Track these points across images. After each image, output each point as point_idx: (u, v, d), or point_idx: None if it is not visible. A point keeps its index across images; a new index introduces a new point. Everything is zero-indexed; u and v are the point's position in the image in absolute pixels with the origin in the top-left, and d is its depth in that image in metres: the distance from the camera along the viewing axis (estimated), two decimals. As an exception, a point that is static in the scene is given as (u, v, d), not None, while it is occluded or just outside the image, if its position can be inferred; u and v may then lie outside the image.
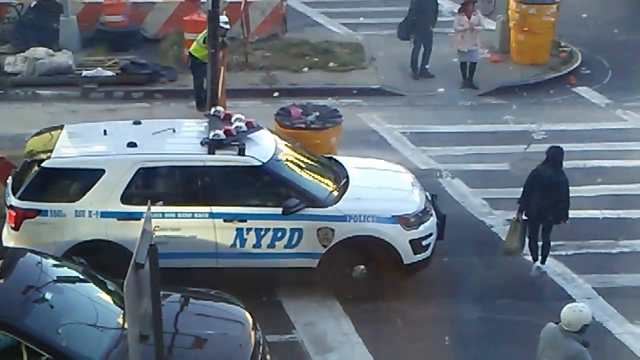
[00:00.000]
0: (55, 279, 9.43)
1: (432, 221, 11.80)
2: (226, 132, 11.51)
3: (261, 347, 9.43)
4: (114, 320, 9.12)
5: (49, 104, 17.74)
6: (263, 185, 11.42)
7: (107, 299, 9.45)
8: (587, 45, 20.66)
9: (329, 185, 11.76)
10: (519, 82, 18.88)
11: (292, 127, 13.55)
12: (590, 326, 8.37)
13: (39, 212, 11.15)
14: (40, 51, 18.77)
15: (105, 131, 11.84)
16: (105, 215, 11.13)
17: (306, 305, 11.56)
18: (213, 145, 11.34)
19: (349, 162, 12.58)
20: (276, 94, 18.01)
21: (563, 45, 20.46)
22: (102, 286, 9.59)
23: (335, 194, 11.63)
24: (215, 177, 11.34)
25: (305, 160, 12.13)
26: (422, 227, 11.57)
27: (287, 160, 11.82)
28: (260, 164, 11.33)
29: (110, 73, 18.56)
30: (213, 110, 12.47)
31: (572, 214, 13.66)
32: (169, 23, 20.55)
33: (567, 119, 17.20)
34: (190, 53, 17.19)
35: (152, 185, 11.44)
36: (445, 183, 14.69)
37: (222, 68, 14.84)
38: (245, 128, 11.77)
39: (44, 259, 9.67)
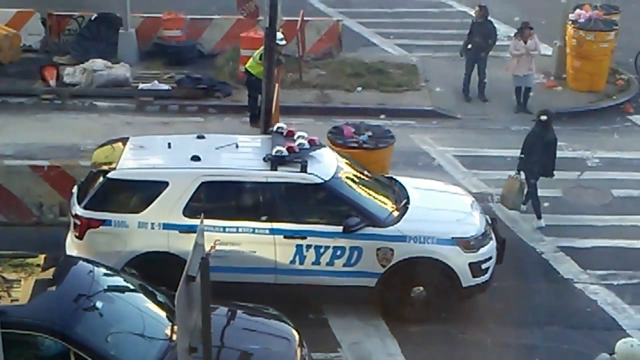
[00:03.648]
0: (106, 287, 9.53)
1: (492, 244, 11.73)
2: (288, 149, 11.55)
3: (306, 364, 9.43)
4: (162, 331, 9.19)
5: (105, 115, 17.99)
6: (324, 202, 11.46)
7: (156, 309, 9.53)
8: (644, 73, 20.43)
9: (389, 205, 11.75)
10: (574, 108, 18.72)
11: (344, 146, 13.56)
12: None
13: (102, 222, 11.26)
14: (98, 63, 19.08)
15: (169, 144, 11.96)
16: (167, 227, 11.22)
17: (352, 324, 11.54)
18: (275, 162, 11.39)
19: (409, 183, 12.57)
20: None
21: (620, 72, 20.26)
22: (152, 297, 9.67)
23: (395, 213, 11.61)
24: (276, 193, 11.38)
25: (366, 179, 12.15)
26: (481, 250, 11.51)
27: (348, 178, 11.83)
28: (321, 181, 11.36)
29: (165, 86, 18.79)
30: (276, 126, 12.53)
31: (624, 243, 13.59)
32: (225, 39, 20.77)
33: (622, 147, 17.01)
34: (245, 69, 17.34)
35: (214, 198, 11.49)
36: (496, 207, 14.58)
37: (277, 85, 14.93)
38: (307, 145, 11.81)
39: (95, 268, 9.79)
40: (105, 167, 11.60)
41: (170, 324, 9.23)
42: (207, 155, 11.62)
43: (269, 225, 11.22)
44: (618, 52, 19.85)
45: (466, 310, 11.79)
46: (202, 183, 11.28)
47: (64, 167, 13.49)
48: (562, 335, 11.46)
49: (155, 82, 18.88)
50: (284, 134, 12.18)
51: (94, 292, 9.30)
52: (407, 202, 11.89)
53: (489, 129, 17.86)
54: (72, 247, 11.51)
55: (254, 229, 11.22)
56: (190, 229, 11.06)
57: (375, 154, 13.67)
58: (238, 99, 18.30)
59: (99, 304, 9.16)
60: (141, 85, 18.74)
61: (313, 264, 11.26)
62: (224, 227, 11.13)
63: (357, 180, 11.96)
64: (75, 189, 11.92)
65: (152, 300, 9.61)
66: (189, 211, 11.22)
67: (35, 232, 13.16)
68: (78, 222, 11.34)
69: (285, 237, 11.22)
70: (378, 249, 11.24)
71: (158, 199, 11.24)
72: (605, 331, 11.29)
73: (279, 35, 15.77)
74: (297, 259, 11.26)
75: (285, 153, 11.49)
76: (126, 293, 9.64)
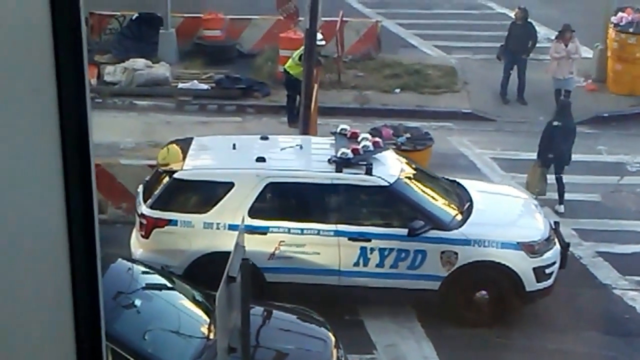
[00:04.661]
0: (144, 285, 9.63)
1: (556, 249, 11.65)
2: (353, 151, 11.53)
3: (342, 366, 9.46)
4: (199, 330, 9.26)
5: (145, 113, 18.11)
6: (388, 205, 11.45)
7: (194, 308, 9.61)
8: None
9: (452, 208, 11.73)
10: (614, 112, 18.56)
11: (382, 148, 13.56)
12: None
13: (168, 222, 11.28)
14: (139, 62, 19.22)
15: (234, 145, 11.96)
16: (232, 227, 11.08)
17: (387, 326, 11.53)
18: (340, 164, 11.37)
19: (472, 185, 12.56)
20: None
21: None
22: (190, 296, 9.76)
23: (459, 217, 11.57)
24: (341, 195, 11.42)
25: (429, 182, 12.13)
26: (546, 255, 11.44)
27: (412, 181, 11.81)
28: (387, 184, 11.33)
29: (205, 86, 18.90)
30: (339, 128, 12.48)
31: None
32: (264, 39, 20.82)
33: (663, 152, 16.83)
34: (285, 69, 17.38)
35: (279, 200, 11.56)
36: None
37: (315, 85, 14.96)
38: (371, 147, 11.77)
39: (134, 265, 9.89)
40: (170, 167, 11.61)
41: (207, 322, 9.30)
42: (272, 156, 11.65)
43: (333, 227, 11.22)
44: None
45: (503, 315, 11.73)
46: (268, 184, 11.29)
47: (104, 165, 13.60)
48: (599, 341, 11.37)
49: (195, 81, 18.99)
50: (348, 135, 12.13)
51: (133, 289, 9.40)
52: (471, 205, 11.84)
53: (527, 131, 17.70)
54: (137, 245, 11.57)
55: (318, 230, 11.22)
56: (256, 230, 11.13)
57: (413, 156, 13.63)
58: (276, 100, 18.35)
59: (137, 302, 9.25)
60: (180, 85, 18.86)
61: (377, 266, 11.25)
62: (289, 229, 11.19)
63: (420, 182, 11.92)
64: (140, 189, 11.95)
65: (190, 299, 9.69)
66: (254, 212, 11.22)
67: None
68: (144, 222, 11.36)
69: (349, 240, 11.22)
70: (442, 252, 11.19)
71: (224, 199, 11.25)
72: (643, 338, 11.19)
73: (319, 35, 15.81)
74: (361, 261, 11.25)
75: (350, 155, 11.44)
76: (164, 291, 9.73)
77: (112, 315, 8.84)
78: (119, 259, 10.01)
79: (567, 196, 14.90)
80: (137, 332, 8.89)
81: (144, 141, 16.40)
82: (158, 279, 9.94)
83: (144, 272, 9.93)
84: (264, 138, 12.33)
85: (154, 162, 13.96)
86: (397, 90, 19.18)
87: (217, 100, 18.58)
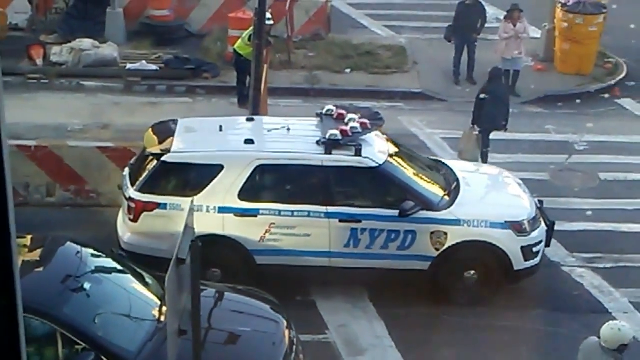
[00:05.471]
0: (94, 268, 9.53)
1: (542, 228, 11.74)
2: (342, 132, 11.47)
3: (294, 346, 9.46)
4: (149, 313, 9.19)
5: (93, 94, 17.89)
6: (378, 186, 11.43)
7: (144, 291, 9.53)
8: (633, 57, 20.47)
9: (441, 189, 11.76)
10: (562, 91, 18.75)
11: (332, 128, 13.54)
12: (629, 346, 8.24)
13: (157, 205, 11.15)
14: (86, 42, 18.93)
15: (220, 127, 11.82)
16: (222, 210, 11.09)
17: (339, 306, 11.57)
18: (330, 145, 11.31)
19: (457, 166, 12.63)
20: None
21: (608, 56, 20.29)
22: (139, 278, 9.67)
23: (447, 197, 11.60)
24: (331, 177, 11.34)
25: (417, 163, 12.15)
26: (533, 234, 11.53)
27: (400, 162, 11.80)
28: (376, 165, 11.32)
29: (153, 67, 18.70)
30: (325, 109, 12.36)
31: (611, 226, 13.65)
32: (213, 19, 20.65)
33: (610, 131, 17.05)
34: (234, 50, 17.26)
35: (269, 182, 11.48)
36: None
37: (265, 66, 14.88)
38: (359, 128, 11.71)
39: (83, 249, 9.77)
40: (158, 150, 11.44)
41: (158, 305, 9.23)
42: (261, 138, 11.57)
43: (324, 209, 11.19)
44: (607, 36, 19.85)
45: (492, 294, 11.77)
46: (258, 166, 11.21)
47: (52, 147, 13.44)
48: (548, 318, 11.52)
49: (143, 62, 18.77)
50: (334, 116, 12.05)
51: (82, 273, 9.29)
52: (458, 185, 11.88)
53: (477, 111, 17.82)
54: (125, 229, 11.43)
55: (309, 212, 11.18)
56: (246, 213, 11.10)
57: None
58: (226, 80, 18.23)
59: (86, 285, 9.15)
60: (129, 66, 18.62)
61: (367, 247, 11.25)
62: (279, 211, 11.13)
63: (407, 163, 11.92)
64: (126, 172, 11.78)
65: (140, 282, 9.61)
66: (244, 195, 11.15)
67: (22, 212, 13.08)
68: (132, 205, 11.20)
69: (340, 221, 11.20)
70: (432, 233, 11.22)
71: (213, 182, 11.15)
72: (591, 314, 11.36)
73: (267, 15, 15.70)
74: (351, 242, 11.25)
75: (339, 136, 11.38)
76: (114, 274, 9.64)
77: (61, 299, 8.74)
78: (68, 242, 9.89)
79: (516, 175, 15.03)
80: (87, 316, 8.80)
81: (92, 123, 16.21)
82: (108, 262, 9.83)
83: (93, 255, 9.81)
84: (250, 119, 12.24)
85: (102, 144, 13.87)
86: (348, 71, 19.17)
87: (166, 81, 18.40)
